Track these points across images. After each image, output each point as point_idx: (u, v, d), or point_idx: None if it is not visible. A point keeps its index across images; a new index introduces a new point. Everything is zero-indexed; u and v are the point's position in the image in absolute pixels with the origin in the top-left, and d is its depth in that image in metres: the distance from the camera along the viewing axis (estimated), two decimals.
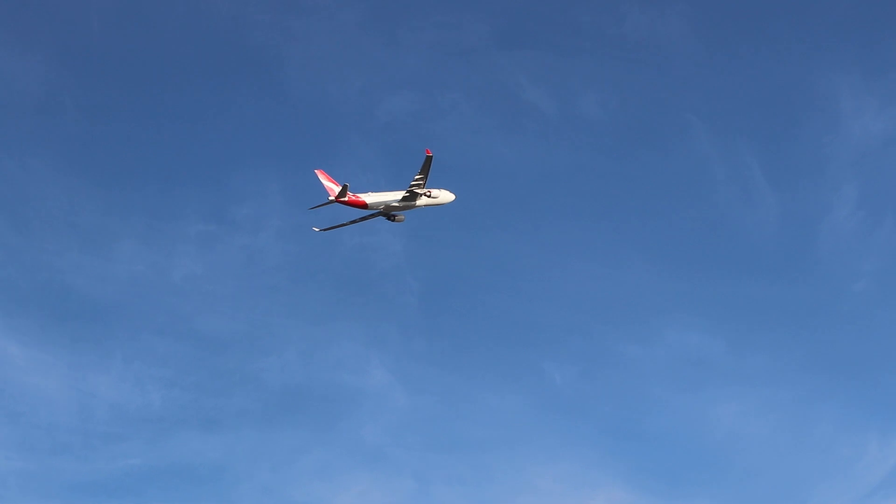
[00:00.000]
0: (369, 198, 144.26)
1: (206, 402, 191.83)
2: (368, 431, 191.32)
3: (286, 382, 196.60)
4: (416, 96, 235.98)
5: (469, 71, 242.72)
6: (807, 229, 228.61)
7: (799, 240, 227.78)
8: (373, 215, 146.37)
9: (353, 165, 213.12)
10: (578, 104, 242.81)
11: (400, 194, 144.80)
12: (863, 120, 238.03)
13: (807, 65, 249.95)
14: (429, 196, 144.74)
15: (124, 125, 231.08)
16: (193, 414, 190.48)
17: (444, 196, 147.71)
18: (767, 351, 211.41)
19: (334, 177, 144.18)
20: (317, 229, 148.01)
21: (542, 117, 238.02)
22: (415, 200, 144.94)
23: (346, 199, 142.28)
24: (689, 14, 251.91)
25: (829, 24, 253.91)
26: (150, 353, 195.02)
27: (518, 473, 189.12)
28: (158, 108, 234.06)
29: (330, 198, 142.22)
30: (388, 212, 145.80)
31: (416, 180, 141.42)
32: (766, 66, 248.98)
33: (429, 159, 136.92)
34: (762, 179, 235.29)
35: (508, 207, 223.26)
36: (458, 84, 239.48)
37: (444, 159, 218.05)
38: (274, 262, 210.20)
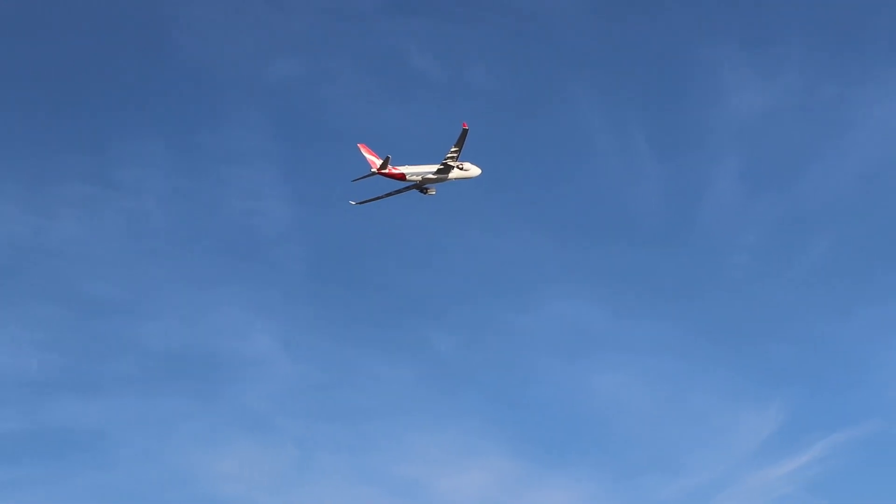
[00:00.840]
0: (407, 170, 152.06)
1: (85, 367, 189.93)
2: (251, 398, 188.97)
3: (168, 348, 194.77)
4: (305, 60, 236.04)
5: (358, 37, 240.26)
6: (689, 200, 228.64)
7: (681, 210, 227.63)
8: (407, 188, 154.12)
9: (239, 128, 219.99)
10: (467, 72, 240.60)
11: (435, 167, 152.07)
12: (745, 93, 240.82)
13: (692, 38, 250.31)
14: (461, 169, 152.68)
15: (2, 88, 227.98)
16: (72, 378, 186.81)
17: (473, 170, 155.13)
18: (649, 320, 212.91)
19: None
20: (353, 202, 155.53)
21: (430, 85, 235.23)
22: (447, 173, 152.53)
23: (386, 171, 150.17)
24: None
25: (714, 2, 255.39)
26: (28, 317, 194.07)
27: (401, 442, 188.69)
28: (38, 69, 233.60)
29: (372, 170, 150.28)
30: (421, 185, 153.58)
31: (451, 153, 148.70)
32: (652, 38, 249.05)
33: (464, 132, 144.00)
34: (646, 150, 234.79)
35: None
36: (347, 50, 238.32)
37: (331, 123, 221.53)
38: (157, 226, 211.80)
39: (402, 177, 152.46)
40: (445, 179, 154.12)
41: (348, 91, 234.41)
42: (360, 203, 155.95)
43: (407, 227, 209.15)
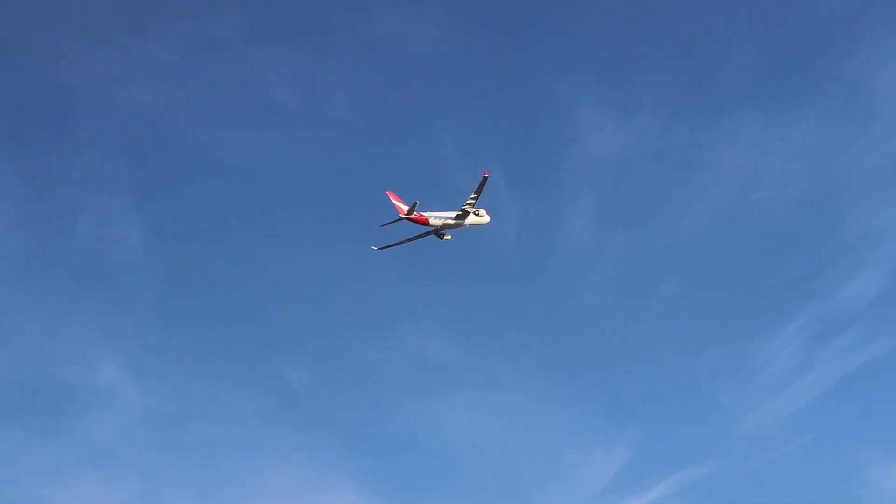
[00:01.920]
0: (431, 215, 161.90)
1: None
2: (97, 429, 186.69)
3: (13, 376, 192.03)
4: (163, 87, 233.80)
5: (218, 64, 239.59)
6: (545, 237, 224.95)
7: (537, 247, 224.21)
8: (427, 233, 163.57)
9: (93, 154, 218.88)
10: (327, 104, 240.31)
11: (454, 213, 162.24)
12: (601, 132, 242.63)
13: (551, 74, 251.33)
14: (477, 215, 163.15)
15: None
16: None
17: (486, 217, 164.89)
18: (503, 357, 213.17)
19: None
20: (375, 248, 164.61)
21: (290, 115, 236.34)
22: (465, 219, 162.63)
23: (413, 216, 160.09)
24: (443, 18, 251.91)
25: (575, 39, 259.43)
26: None
27: (252, 476, 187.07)
28: None
29: (400, 215, 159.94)
30: (440, 230, 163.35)
31: (470, 199, 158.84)
32: (512, 72, 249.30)
33: (484, 180, 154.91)
34: (504, 186, 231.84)
35: (253, 206, 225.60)
36: (207, 77, 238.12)
37: (188, 151, 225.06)
38: (5, 252, 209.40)
39: (426, 221, 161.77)
40: (462, 225, 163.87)
41: (206, 119, 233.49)
42: (382, 248, 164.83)
43: (262, 260, 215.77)
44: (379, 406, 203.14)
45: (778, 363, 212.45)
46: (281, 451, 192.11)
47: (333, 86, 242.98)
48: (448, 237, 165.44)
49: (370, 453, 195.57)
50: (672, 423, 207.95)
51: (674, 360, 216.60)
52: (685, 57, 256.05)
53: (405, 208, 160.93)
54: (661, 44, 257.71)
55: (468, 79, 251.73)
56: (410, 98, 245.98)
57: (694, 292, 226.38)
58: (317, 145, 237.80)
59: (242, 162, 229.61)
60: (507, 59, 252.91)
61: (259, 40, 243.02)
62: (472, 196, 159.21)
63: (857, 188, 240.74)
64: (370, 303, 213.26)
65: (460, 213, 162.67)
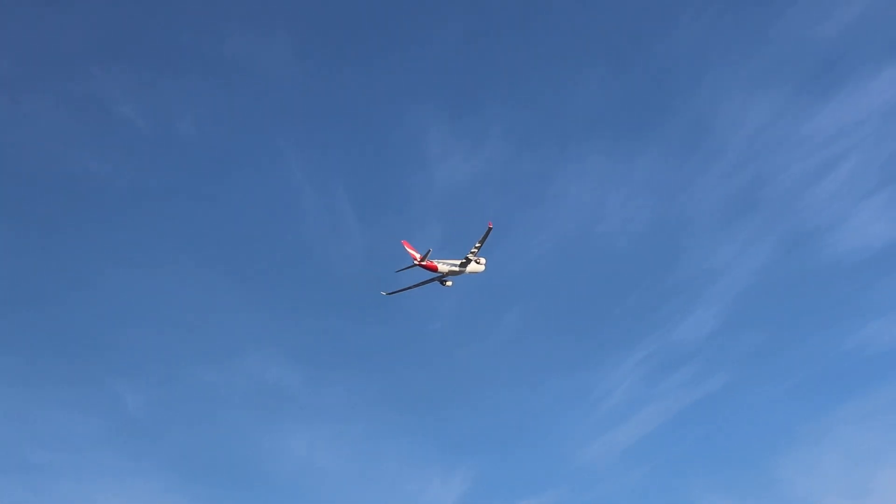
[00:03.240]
0: (440, 264, 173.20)
1: None
2: None
3: None
4: (4, 102, 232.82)
5: (62, 81, 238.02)
6: (390, 267, 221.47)
7: (382, 276, 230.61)
8: (431, 279, 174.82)
9: None
10: (173, 123, 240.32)
11: (459, 261, 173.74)
12: (449, 161, 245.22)
13: (402, 100, 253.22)
14: (478, 263, 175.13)
15: None
16: None
17: (483, 265, 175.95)
18: (343, 385, 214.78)
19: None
20: (384, 293, 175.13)
21: (133, 133, 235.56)
22: (466, 267, 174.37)
23: (426, 263, 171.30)
24: (293, 41, 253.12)
25: (425, 66, 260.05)
26: None
27: (84, 499, 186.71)
28: None
29: (414, 262, 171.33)
30: (443, 277, 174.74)
31: (474, 248, 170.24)
32: (362, 100, 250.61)
33: (489, 231, 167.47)
34: (350, 213, 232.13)
35: (93, 224, 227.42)
36: (49, 93, 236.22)
37: (29, 167, 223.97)
38: None
39: (434, 268, 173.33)
40: (463, 272, 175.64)
41: (48, 135, 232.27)
42: (390, 294, 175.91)
43: (101, 281, 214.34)
44: (217, 431, 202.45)
45: (617, 395, 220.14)
46: (115, 476, 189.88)
47: (180, 105, 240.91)
48: (449, 283, 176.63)
49: (206, 480, 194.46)
50: (511, 454, 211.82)
51: (514, 391, 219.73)
52: (534, 87, 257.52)
53: (418, 256, 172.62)
54: (510, 73, 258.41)
55: (317, 102, 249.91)
56: (257, 119, 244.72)
57: (536, 323, 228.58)
58: (160, 164, 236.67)
59: (85, 179, 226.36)
60: (358, 84, 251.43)
61: (104, 59, 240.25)
62: (476, 245, 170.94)
63: (696, 225, 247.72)
64: (212, 327, 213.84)
65: (464, 260, 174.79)
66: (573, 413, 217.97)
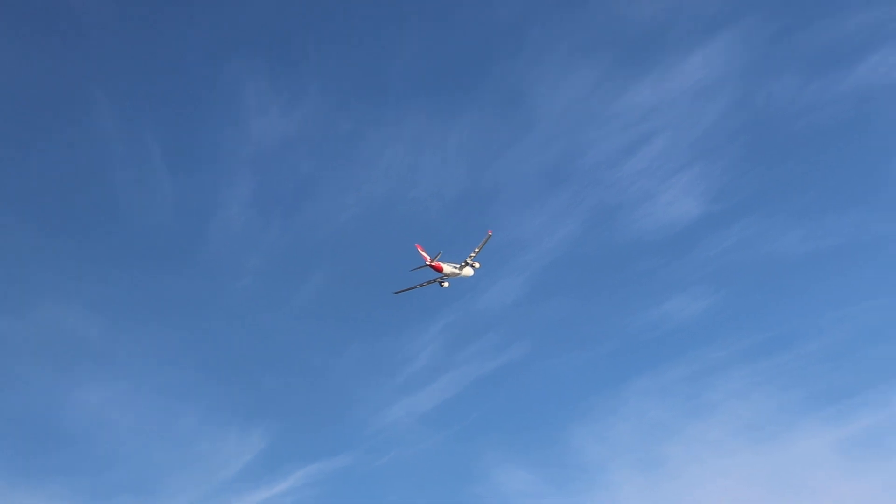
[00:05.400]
0: (446, 265, 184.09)
1: None
2: None
3: None
4: None
5: None
6: (200, 219, 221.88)
7: (191, 228, 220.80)
8: (432, 280, 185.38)
9: None
10: None
11: (459, 264, 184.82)
12: (265, 118, 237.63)
13: (220, 50, 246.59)
14: (473, 267, 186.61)
15: None
16: None
17: (475, 269, 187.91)
18: (146, 338, 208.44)
19: None
20: (395, 292, 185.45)
21: None
22: (462, 270, 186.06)
23: (434, 264, 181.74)
24: None
25: (245, 21, 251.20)
26: None
27: None
28: None
29: (425, 263, 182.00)
30: (443, 278, 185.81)
31: (473, 254, 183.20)
32: (180, 48, 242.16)
33: (488, 238, 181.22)
34: (161, 164, 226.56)
35: None
36: None
37: None
38: None
39: (441, 269, 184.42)
40: (459, 274, 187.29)
41: None
42: (398, 293, 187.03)
43: None
44: (5, 380, 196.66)
45: (420, 361, 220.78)
46: None
47: None
48: (446, 285, 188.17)
49: None
50: (310, 416, 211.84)
51: (317, 354, 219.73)
52: (355, 44, 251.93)
53: (429, 258, 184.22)
54: (332, 29, 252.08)
55: (134, 51, 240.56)
56: (68, 63, 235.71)
57: (342, 287, 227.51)
58: None
59: None
60: (176, 33, 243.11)
61: None
62: (475, 251, 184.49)
63: (507, 195, 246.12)
64: (4, 273, 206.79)
65: (463, 264, 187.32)
66: (375, 378, 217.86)
